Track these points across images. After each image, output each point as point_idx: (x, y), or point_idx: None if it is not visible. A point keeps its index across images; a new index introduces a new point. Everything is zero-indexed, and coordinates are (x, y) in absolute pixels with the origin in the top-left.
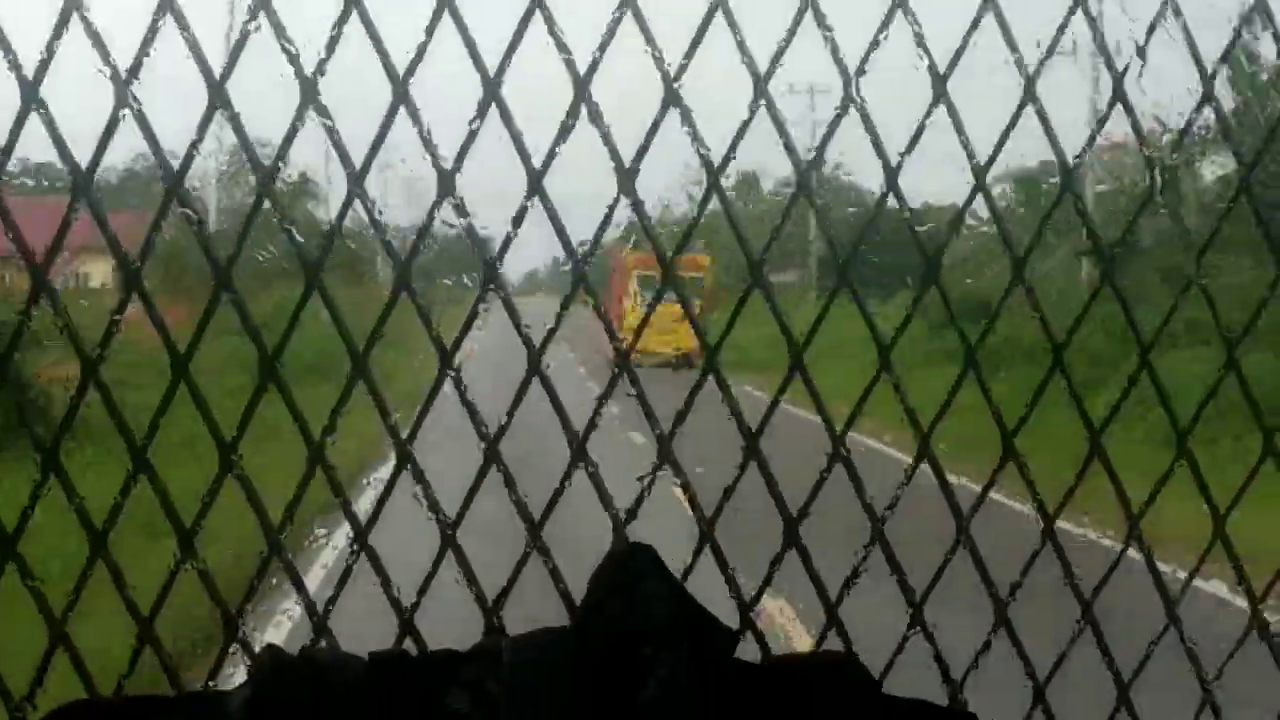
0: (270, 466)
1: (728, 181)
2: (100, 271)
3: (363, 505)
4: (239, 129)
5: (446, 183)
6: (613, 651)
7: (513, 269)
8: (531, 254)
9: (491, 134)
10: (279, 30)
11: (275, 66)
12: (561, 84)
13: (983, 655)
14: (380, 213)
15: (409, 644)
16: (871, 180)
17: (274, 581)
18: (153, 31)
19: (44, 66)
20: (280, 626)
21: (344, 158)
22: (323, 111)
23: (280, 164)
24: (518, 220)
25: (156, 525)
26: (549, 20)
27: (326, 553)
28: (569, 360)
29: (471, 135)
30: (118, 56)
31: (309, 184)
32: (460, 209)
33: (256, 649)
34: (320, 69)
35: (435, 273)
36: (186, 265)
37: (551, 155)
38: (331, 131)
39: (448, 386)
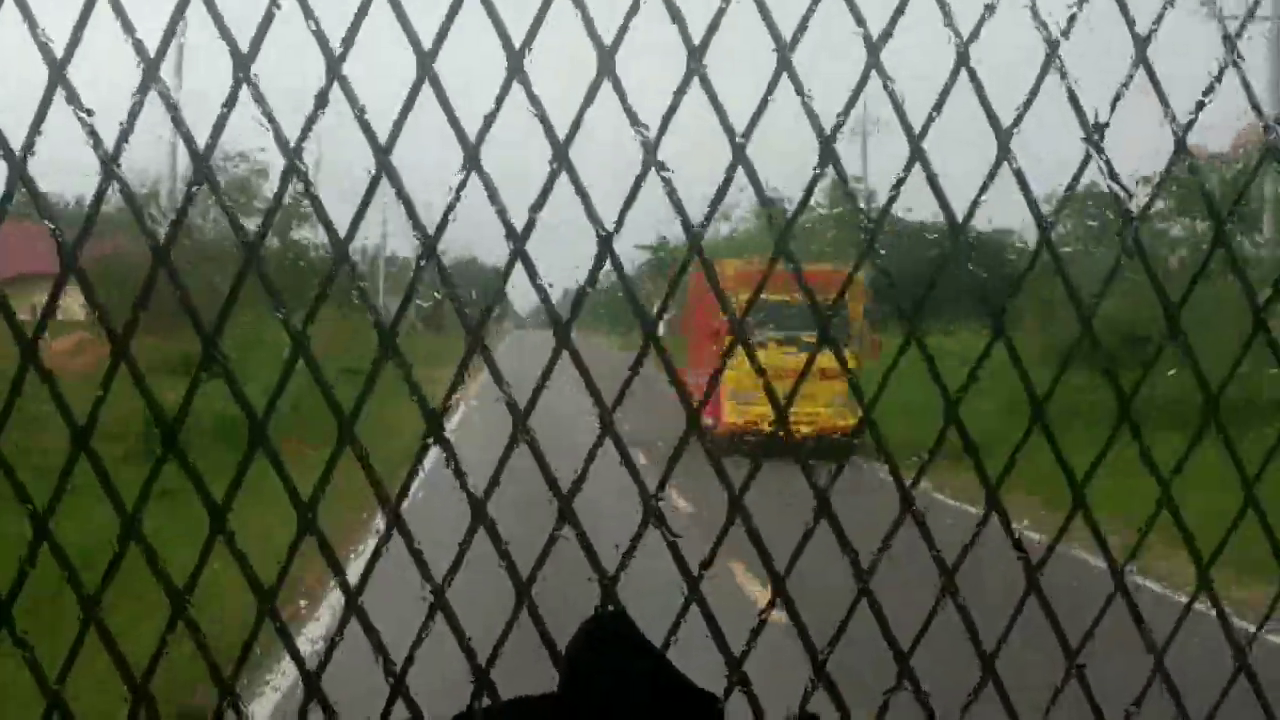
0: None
1: None
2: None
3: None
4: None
5: (429, 247)
6: None
7: (528, 298)
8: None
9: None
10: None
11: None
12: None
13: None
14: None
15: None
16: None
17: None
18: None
19: None
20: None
21: (327, 226)
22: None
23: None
24: (539, 202)
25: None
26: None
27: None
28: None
29: (454, 198)
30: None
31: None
32: (444, 274)
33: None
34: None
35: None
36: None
37: (577, 124)
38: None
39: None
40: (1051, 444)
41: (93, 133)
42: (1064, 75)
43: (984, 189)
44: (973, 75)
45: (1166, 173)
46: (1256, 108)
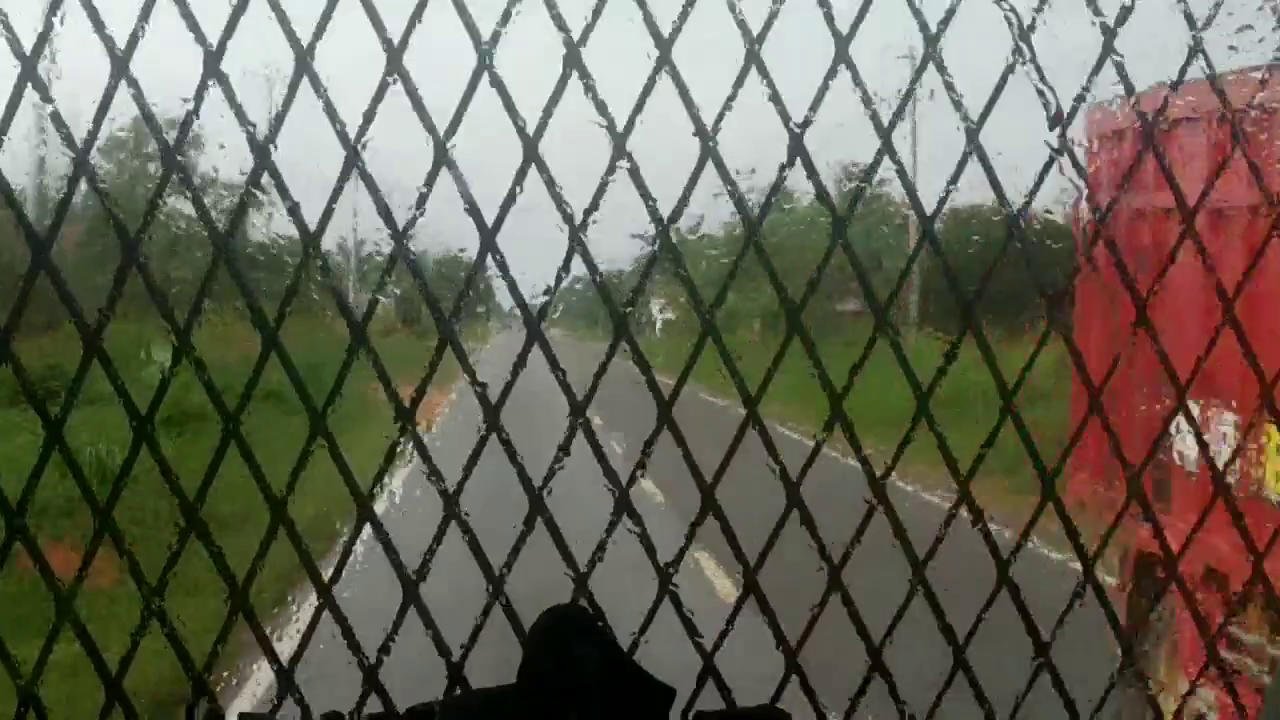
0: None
1: None
2: None
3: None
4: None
5: (400, 249)
6: (542, 713)
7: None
8: (537, 275)
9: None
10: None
11: None
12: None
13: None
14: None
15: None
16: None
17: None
18: None
19: None
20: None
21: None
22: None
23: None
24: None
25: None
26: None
27: None
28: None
29: (422, 198)
30: None
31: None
32: (414, 268)
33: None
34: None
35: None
36: None
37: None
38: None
39: None
40: None
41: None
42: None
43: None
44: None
45: None
46: None
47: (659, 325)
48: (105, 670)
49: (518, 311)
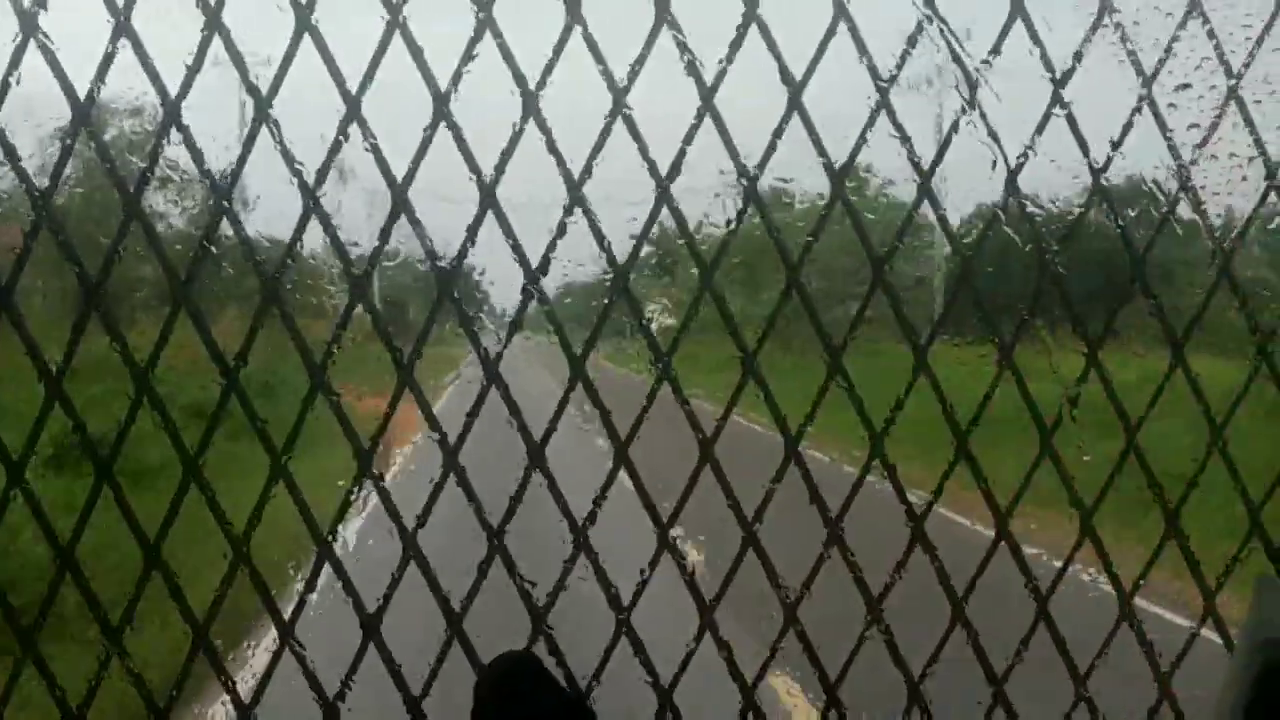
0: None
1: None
2: None
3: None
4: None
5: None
6: None
7: (509, 299)
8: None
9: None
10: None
11: None
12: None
13: None
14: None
15: None
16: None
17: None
18: None
19: None
20: None
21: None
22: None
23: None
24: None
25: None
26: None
27: None
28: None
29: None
30: None
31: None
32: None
33: None
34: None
35: (409, 299)
36: None
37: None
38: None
39: None
40: None
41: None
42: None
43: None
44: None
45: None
46: None
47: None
48: (66, 705)
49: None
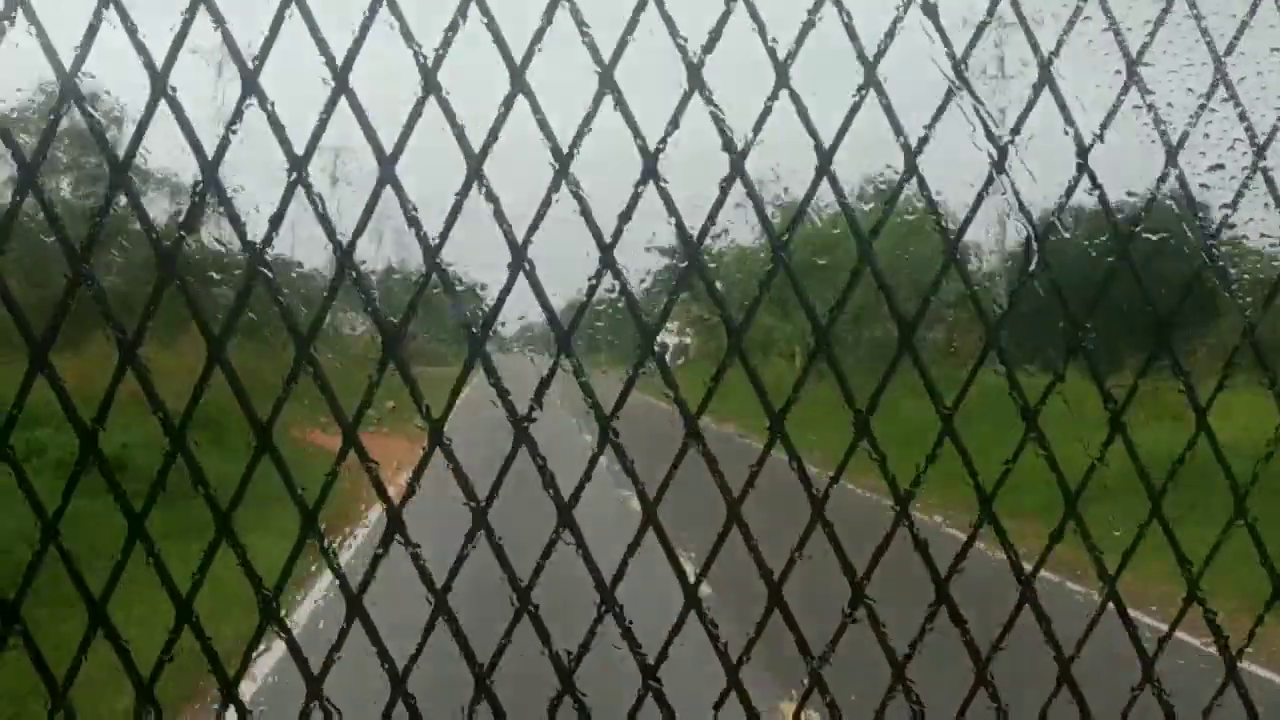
0: None
1: None
2: None
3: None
4: None
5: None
6: None
7: (510, 311)
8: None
9: None
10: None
11: None
12: None
13: None
14: None
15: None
16: None
17: None
18: None
19: None
20: None
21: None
22: None
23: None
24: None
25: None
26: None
27: None
28: None
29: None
30: None
31: None
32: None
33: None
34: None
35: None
36: None
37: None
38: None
39: None
40: None
41: None
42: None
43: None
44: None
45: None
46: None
47: (680, 351)
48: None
49: (508, 333)
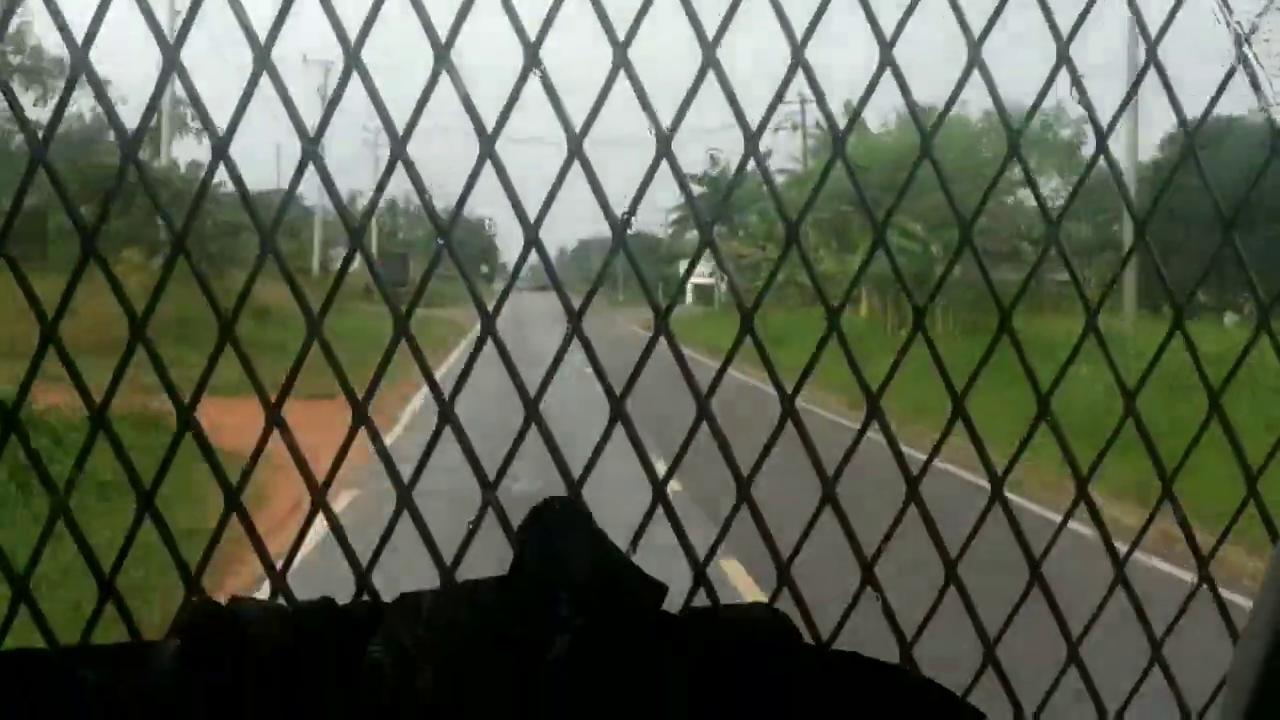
0: None
1: None
2: None
3: None
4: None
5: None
6: (530, 607)
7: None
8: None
9: None
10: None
11: None
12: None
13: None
14: None
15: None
16: None
17: None
18: None
19: None
20: None
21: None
22: None
23: None
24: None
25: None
26: None
27: None
28: None
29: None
30: None
31: None
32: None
33: None
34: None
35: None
36: None
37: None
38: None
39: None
40: None
41: None
42: None
43: None
44: None
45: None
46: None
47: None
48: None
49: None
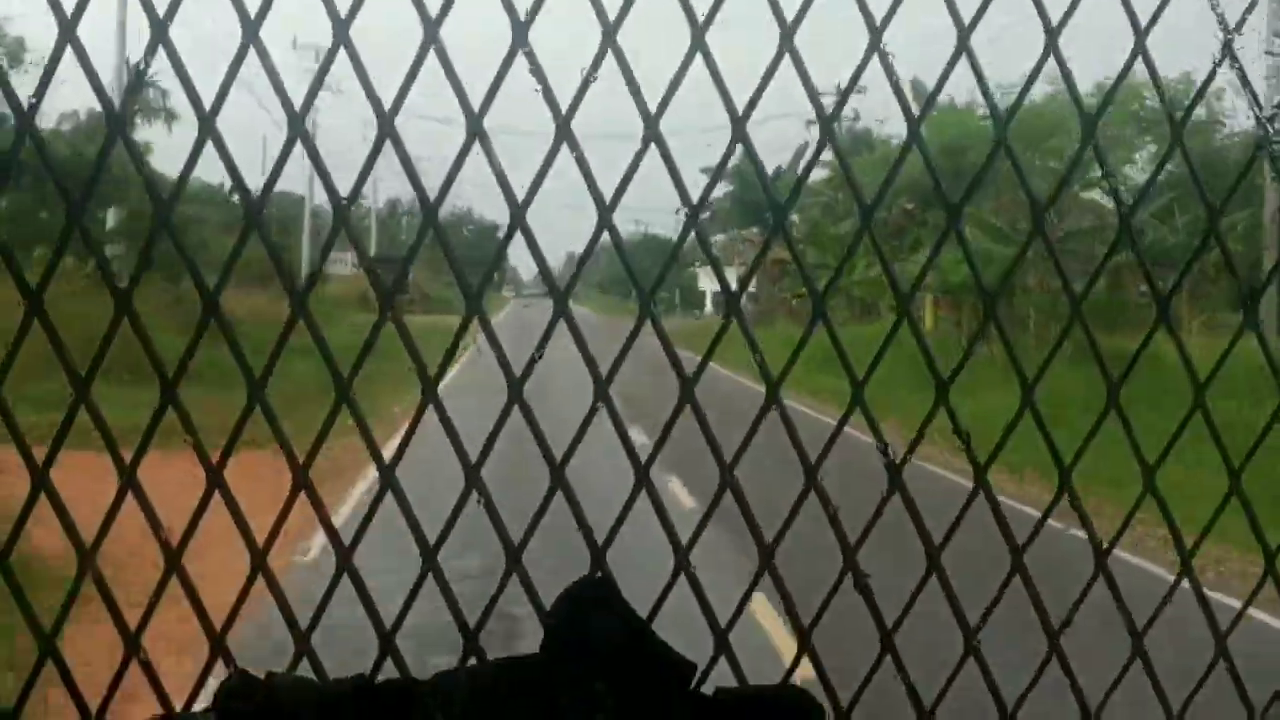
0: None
1: None
2: None
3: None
4: None
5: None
6: (566, 686)
7: (526, 265)
8: (550, 242)
9: None
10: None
11: None
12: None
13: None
14: None
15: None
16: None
17: None
18: None
19: None
20: None
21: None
22: None
23: None
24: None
25: None
26: None
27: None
28: None
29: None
30: None
31: None
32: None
33: None
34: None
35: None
36: None
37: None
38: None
39: None
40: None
41: None
42: None
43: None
44: None
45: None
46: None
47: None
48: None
49: (528, 276)
